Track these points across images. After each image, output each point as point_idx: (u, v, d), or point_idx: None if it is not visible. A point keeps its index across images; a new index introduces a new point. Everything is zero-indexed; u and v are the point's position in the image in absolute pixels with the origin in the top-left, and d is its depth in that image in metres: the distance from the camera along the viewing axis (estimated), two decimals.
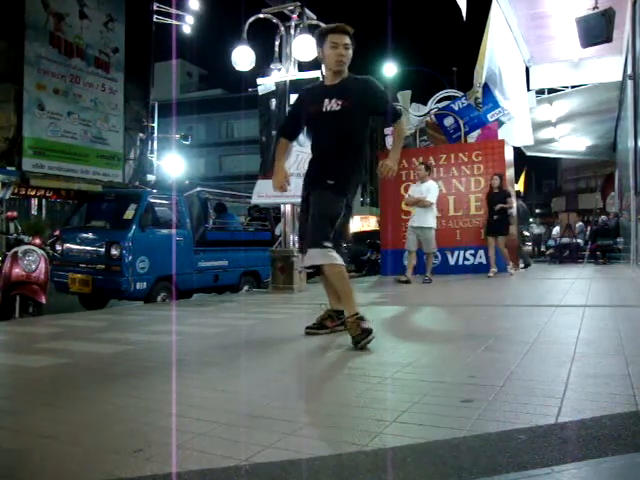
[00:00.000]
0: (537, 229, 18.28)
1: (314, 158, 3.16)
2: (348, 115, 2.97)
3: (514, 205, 8.31)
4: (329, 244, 2.88)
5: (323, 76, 3.40)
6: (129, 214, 6.50)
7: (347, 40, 2.98)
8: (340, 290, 2.94)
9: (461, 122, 10.22)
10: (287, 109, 6.81)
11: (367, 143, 3.16)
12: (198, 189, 7.93)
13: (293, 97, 6.73)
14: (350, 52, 3.01)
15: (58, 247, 6.74)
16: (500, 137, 10.37)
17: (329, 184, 2.95)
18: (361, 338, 2.66)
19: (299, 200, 7.19)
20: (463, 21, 7.50)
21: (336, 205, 2.97)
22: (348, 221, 3.22)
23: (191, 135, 24.70)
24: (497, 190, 8.26)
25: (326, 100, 3.00)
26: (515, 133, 11.29)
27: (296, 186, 6.57)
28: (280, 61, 7.01)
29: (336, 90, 3.02)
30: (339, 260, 2.90)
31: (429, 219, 7.35)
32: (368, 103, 3.00)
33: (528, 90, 12.10)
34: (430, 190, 7.36)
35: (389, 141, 10.77)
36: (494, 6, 9.08)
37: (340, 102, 2.98)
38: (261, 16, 6.94)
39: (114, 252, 6.21)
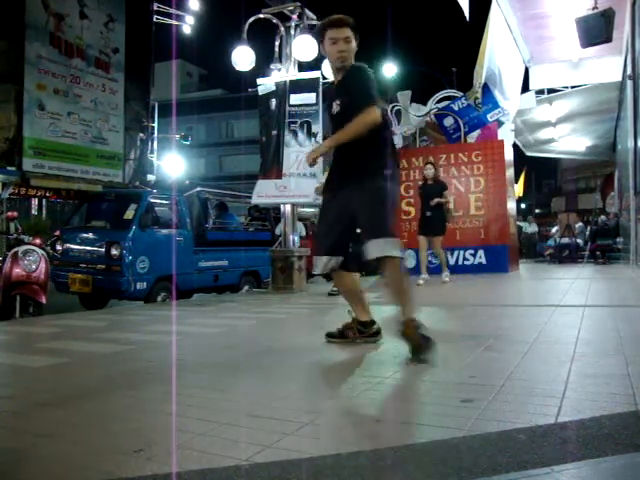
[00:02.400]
0: (530, 228, 17.84)
1: (336, 167, 2.81)
2: (348, 115, 2.64)
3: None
4: (393, 237, 2.56)
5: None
6: (129, 214, 6.50)
7: (347, 33, 2.71)
8: (400, 289, 2.59)
9: (461, 122, 10.22)
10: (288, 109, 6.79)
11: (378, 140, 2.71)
12: (198, 189, 7.92)
13: (293, 97, 6.74)
14: (352, 45, 2.74)
15: (58, 247, 6.74)
16: (500, 137, 10.38)
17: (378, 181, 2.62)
18: (422, 349, 2.36)
19: (299, 200, 7.20)
20: (463, 21, 7.51)
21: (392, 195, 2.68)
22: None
23: (191, 135, 24.70)
24: (431, 182, 7.09)
25: (334, 103, 2.79)
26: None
27: (297, 186, 6.63)
28: (280, 61, 7.01)
29: (338, 89, 2.80)
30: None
31: None
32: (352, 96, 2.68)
33: (528, 90, 12.11)
34: None
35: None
36: (494, 6, 9.08)
37: (339, 102, 2.75)
38: (261, 16, 6.94)
39: (114, 252, 6.20)
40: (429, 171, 7.11)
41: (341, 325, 2.93)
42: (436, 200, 6.86)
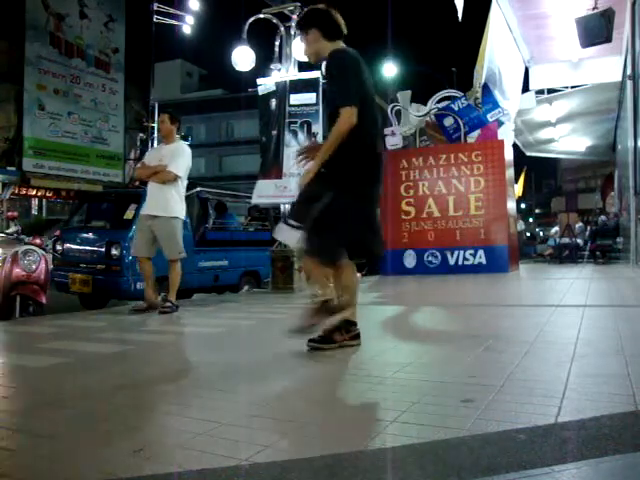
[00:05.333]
0: (518, 226, 17.46)
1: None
2: (332, 112, 2.59)
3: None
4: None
5: (323, 76, 3.15)
6: (129, 214, 6.49)
7: (304, 32, 2.73)
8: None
9: (461, 122, 10.22)
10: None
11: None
12: (198, 189, 7.92)
13: (293, 97, 6.74)
14: (309, 39, 2.71)
15: (58, 247, 6.74)
16: (500, 137, 10.37)
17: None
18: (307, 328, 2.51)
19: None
20: (463, 21, 7.51)
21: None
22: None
23: (191, 135, 24.70)
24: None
25: None
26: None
27: (297, 186, 6.61)
28: (280, 61, 7.02)
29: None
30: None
31: (170, 203, 4.67)
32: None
33: (528, 90, 12.12)
34: (175, 155, 4.71)
35: (390, 141, 10.74)
36: (494, 6, 9.08)
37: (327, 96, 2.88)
38: (261, 16, 6.95)
39: (114, 252, 6.20)
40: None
41: (322, 330, 2.63)
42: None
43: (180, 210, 4.75)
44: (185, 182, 4.87)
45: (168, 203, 4.67)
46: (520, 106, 12.12)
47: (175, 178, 4.65)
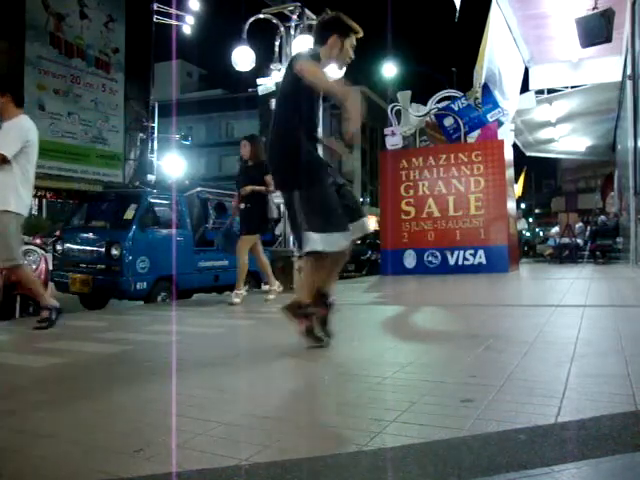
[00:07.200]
0: (519, 225, 17.35)
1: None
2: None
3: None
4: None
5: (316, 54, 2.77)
6: (129, 214, 6.50)
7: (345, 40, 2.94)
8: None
9: (461, 122, 10.22)
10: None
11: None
12: (198, 189, 7.91)
13: None
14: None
15: (58, 247, 6.75)
16: (500, 137, 10.37)
17: None
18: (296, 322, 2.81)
19: None
20: (463, 22, 7.51)
21: None
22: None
23: (191, 135, 24.70)
24: (251, 163, 5.38)
25: None
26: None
27: None
28: (280, 61, 7.02)
29: None
30: None
31: (5, 193, 3.65)
32: None
33: (528, 90, 12.12)
34: (10, 133, 3.71)
35: (390, 141, 10.75)
36: (494, 6, 9.08)
37: None
38: (261, 16, 6.95)
39: (114, 252, 6.21)
40: (245, 149, 5.43)
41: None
42: (250, 187, 5.29)
43: (12, 202, 3.63)
44: (30, 165, 3.79)
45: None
46: (520, 106, 12.12)
47: (2, 158, 3.60)
